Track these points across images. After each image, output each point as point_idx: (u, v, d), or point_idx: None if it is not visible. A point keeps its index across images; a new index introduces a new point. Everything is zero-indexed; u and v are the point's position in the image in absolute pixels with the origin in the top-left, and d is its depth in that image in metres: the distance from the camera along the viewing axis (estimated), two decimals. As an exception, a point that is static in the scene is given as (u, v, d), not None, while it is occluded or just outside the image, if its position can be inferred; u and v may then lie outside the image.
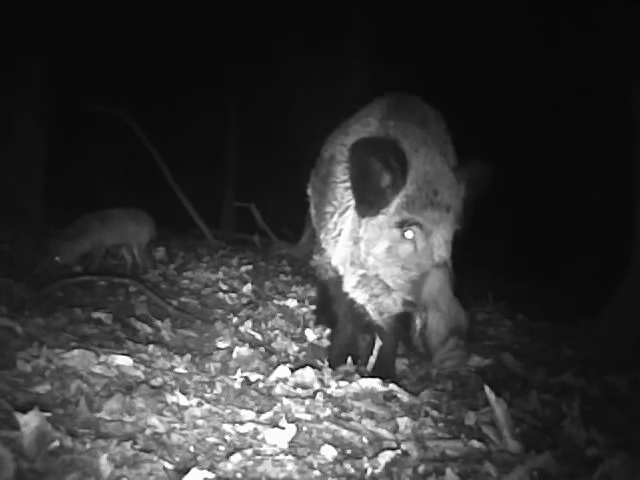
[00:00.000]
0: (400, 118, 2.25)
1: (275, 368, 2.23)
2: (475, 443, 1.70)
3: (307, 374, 2.16)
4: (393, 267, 2.11)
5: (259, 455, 1.51)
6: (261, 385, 2.09)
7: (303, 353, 2.69)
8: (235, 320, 3.06)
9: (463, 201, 2.16)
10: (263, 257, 5.33)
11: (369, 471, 1.49)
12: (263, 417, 1.76)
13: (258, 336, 2.84)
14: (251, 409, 1.83)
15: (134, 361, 2.08)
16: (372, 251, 2.17)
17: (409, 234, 2.07)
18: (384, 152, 2.07)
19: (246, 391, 2.01)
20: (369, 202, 2.15)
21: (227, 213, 9.68)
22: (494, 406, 1.82)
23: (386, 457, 1.55)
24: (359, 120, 2.44)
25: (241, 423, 1.70)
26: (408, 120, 2.23)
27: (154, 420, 1.63)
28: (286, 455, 1.52)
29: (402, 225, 2.08)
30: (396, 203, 2.11)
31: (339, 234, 2.34)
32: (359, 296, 2.28)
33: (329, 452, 1.56)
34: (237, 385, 2.06)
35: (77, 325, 2.52)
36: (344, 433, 1.71)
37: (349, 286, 2.30)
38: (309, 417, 1.79)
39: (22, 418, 1.39)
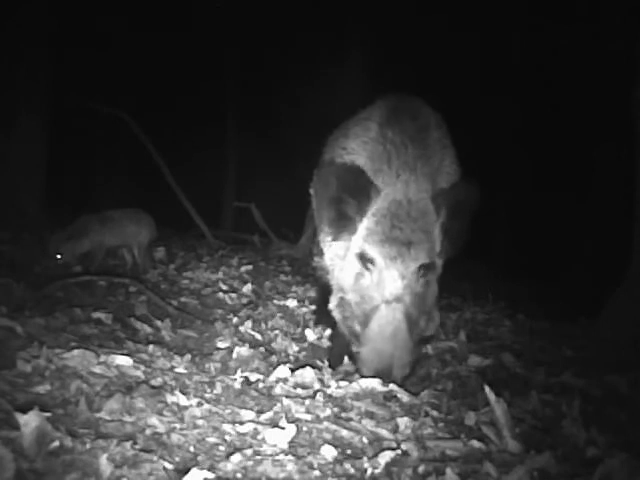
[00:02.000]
0: (399, 127, 2.23)
1: (275, 368, 2.23)
2: (475, 443, 1.70)
3: (307, 374, 2.16)
4: (355, 295, 2.13)
5: (259, 455, 1.51)
6: (261, 385, 2.09)
7: (303, 353, 2.69)
8: (235, 320, 3.06)
9: (442, 226, 2.14)
10: (263, 257, 5.33)
11: (369, 471, 1.49)
12: (263, 417, 1.76)
13: (258, 336, 2.85)
14: (251, 409, 1.83)
15: (134, 361, 2.08)
16: (345, 274, 2.20)
17: (367, 266, 2.09)
18: (351, 180, 2.09)
19: (246, 391, 2.01)
20: (337, 227, 2.17)
21: (227, 213, 9.69)
22: (494, 406, 1.81)
23: (386, 457, 1.55)
24: (359, 123, 2.43)
25: (241, 423, 1.70)
26: (406, 130, 2.22)
27: (154, 420, 1.63)
28: (286, 455, 1.52)
29: (361, 257, 2.10)
30: (359, 233, 2.12)
31: (334, 239, 2.35)
32: (336, 316, 2.31)
33: (329, 452, 1.56)
34: (237, 385, 2.06)
35: (77, 325, 2.52)
36: (344, 433, 1.71)
37: (332, 305, 2.32)
38: (309, 417, 1.79)
39: (22, 418, 1.39)
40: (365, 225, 2.11)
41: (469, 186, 2.19)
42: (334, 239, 2.24)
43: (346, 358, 2.42)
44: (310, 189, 3.00)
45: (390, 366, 2.00)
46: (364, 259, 2.10)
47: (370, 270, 2.08)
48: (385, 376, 2.02)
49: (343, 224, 2.16)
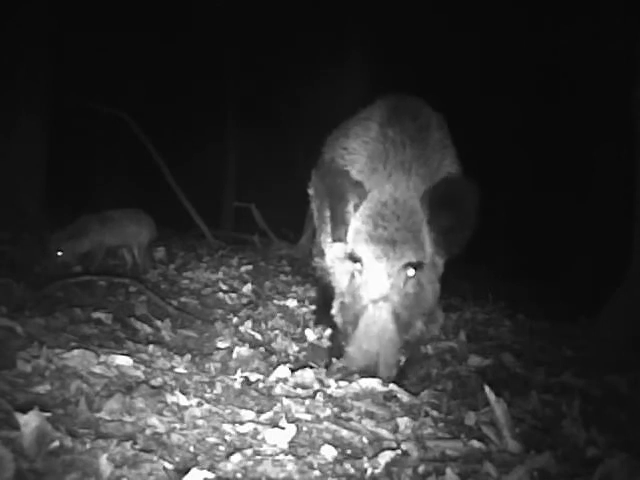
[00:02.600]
0: (399, 127, 2.23)
1: (275, 368, 2.23)
2: (475, 443, 1.70)
3: (307, 374, 2.16)
4: (349, 296, 2.15)
5: (259, 455, 1.51)
6: (261, 385, 2.09)
7: (303, 353, 2.69)
8: (235, 320, 3.07)
9: (428, 223, 2.11)
10: (263, 257, 5.33)
11: (369, 471, 1.49)
12: (263, 417, 1.76)
13: (258, 336, 2.85)
14: (251, 409, 1.83)
15: (134, 361, 2.08)
16: (342, 277, 2.21)
17: (356, 267, 2.10)
18: (337, 183, 2.11)
19: (246, 391, 2.01)
20: (334, 231, 2.19)
21: (227, 213, 9.69)
22: (494, 406, 1.81)
23: (386, 457, 1.55)
24: (359, 123, 2.44)
25: (241, 423, 1.70)
26: (406, 130, 2.22)
27: (154, 420, 1.63)
28: (286, 455, 1.52)
29: (351, 257, 2.11)
30: (349, 234, 2.14)
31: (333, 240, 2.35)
32: (337, 320, 2.31)
33: (329, 452, 1.56)
34: (237, 385, 2.06)
35: (77, 325, 2.52)
36: (344, 433, 1.71)
37: (334, 310, 2.32)
38: (309, 417, 1.79)
39: (22, 418, 1.39)
40: (353, 226, 2.12)
41: (455, 180, 2.17)
42: (333, 240, 2.25)
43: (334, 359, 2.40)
44: (308, 189, 3.00)
45: (376, 365, 1.99)
46: (354, 259, 2.10)
47: (359, 270, 2.09)
48: (371, 374, 2.02)
49: (339, 227, 2.17)
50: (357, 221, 2.11)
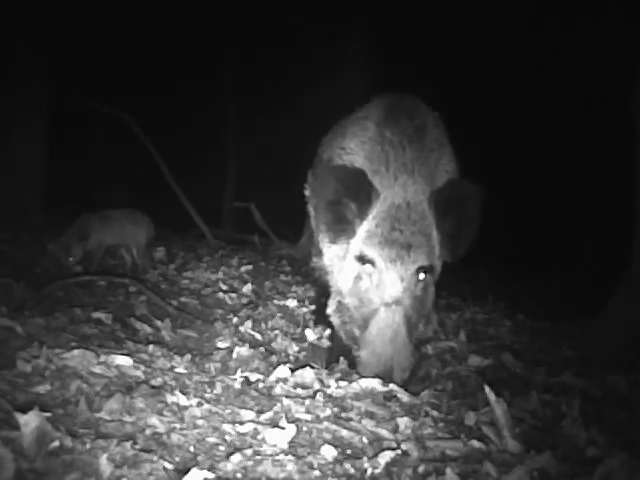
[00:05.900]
0: (397, 127, 2.23)
1: (275, 368, 2.23)
2: (475, 443, 1.70)
3: (307, 374, 2.16)
4: (354, 299, 2.12)
5: (259, 455, 1.51)
6: (261, 385, 2.08)
7: (303, 353, 2.69)
8: (235, 320, 3.07)
9: (436, 227, 2.11)
10: (263, 257, 5.33)
11: (369, 471, 1.48)
12: (263, 417, 1.76)
13: (258, 336, 2.85)
14: (251, 409, 1.82)
15: (134, 361, 2.08)
16: (343, 277, 2.20)
17: (366, 269, 2.08)
18: (352, 183, 2.09)
19: (246, 391, 2.01)
20: (335, 231, 2.16)
21: (227, 213, 9.69)
22: (494, 406, 1.81)
23: (386, 457, 1.55)
24: (356, 122, 2.42)
25: (241, 423, 1.70)
26: (404, 130, 2.21)
27: (154, 420, 1.63)
28: (286, 455, 1.52)
29: (360, 259, 2.09)
30: (359, 236, 2.11)
31: (332, 242, 2.35)
32: (334, 321, 2.29)
33: (329, 452, 1.55)
34: (237, 385, 2.06)
35: (77, 325, 2.52)
36: (344, 433, 1.71)
37: (330, 309, 2.31)
38: (309, 417, 1.79)
39: (22, 418, 1.39)
40: (365, 228, 2.11)
41: (460, 183, 2.17)
42: (332, 242, 2.24)
43: (341, 358, 2.40)
44: (305, 190, 2.99)
45: (391, 369, 2.00)
46: (363, 261, 2.09)
47: (369, 273, 2.08)
48: (386, 379, 2.02)
49: (342, 227, 2.16)
50: (370, 223, 2.09)
